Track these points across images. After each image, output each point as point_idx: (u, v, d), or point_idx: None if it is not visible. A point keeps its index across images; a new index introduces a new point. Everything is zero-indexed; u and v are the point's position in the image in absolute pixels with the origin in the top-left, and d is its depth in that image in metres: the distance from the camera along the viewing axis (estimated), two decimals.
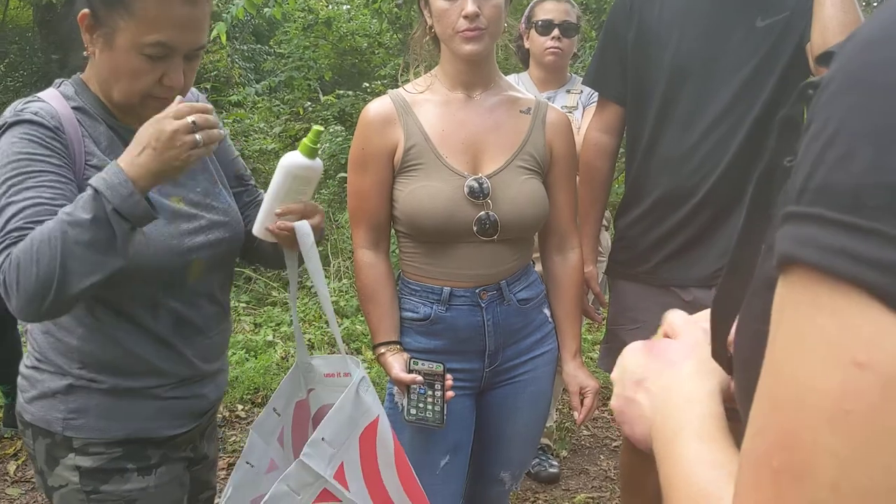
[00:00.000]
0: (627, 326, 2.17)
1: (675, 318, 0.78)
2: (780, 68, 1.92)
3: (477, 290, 1.83)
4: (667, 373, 0.71)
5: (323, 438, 1.48)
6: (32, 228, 1.25)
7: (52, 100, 1.41)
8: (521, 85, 2.96)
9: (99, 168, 1.35)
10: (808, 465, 0.38)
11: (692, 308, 2.06)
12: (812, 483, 0.38)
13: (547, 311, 1.98)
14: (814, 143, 0.41)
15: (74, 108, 1.43)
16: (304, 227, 1.52)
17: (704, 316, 0.72)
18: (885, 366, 0.35)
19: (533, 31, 2.94)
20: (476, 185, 1.77)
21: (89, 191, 1.27)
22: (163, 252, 1.44)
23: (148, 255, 1.41)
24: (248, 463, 1.67)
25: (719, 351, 0.66)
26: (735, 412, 0.61)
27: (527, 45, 2.98)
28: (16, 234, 1.26)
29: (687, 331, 0.75)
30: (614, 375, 0.77)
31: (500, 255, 1.83)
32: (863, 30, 0.42)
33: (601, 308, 2.40)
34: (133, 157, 1.28)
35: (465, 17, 1.70)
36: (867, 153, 0.37)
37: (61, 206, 1.28)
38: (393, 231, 1.91)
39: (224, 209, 1.60)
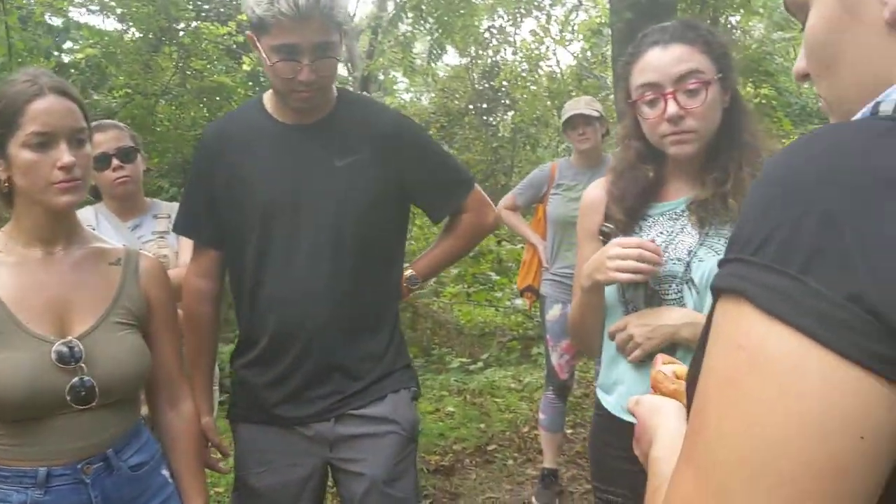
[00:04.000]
0: (255, 470, 2.09)
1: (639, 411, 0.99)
2: (364, 199, 2.02)
3: (79, 465, 1.63)
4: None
5: None
6: None
7: None
8: (102, 216, 2.78)
9: None
10: (704, 422, 0.57)
11: (314, 443, 2.05)
12: (705, 434, 0.57)
13: (166, 472, 1.83)
14: (738, 220, 0.62)
15: None
16: None
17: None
18: (752, 345, 0.54)
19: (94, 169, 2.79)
20: (66, 349, 1.60)
21: None
22: None
23: None
24: None
25: None
26: None
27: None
28: None
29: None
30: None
31: (102, 422, 1.67)
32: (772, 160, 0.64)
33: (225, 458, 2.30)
34: None
35: (62, 168, 1.60)
36: (753, 218, 0.59)
37: None
38: None
39: None
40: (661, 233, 1.76)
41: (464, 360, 6.50)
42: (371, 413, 2.06)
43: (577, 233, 1.98)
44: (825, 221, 0.54)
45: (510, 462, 4.54)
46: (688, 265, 1.69)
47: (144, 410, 1.93)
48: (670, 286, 1.71)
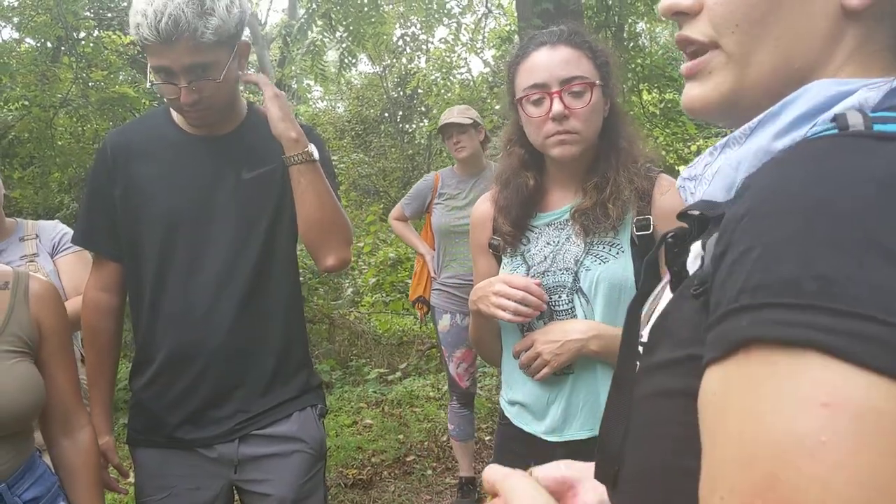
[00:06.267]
0: (157, 496, 2.01)
1: (492, 475, 0.77)
2: (269, 213, 1.98)
3: None
4: None
5: None
6: None
7: None
8: None
9: None
10: (796, 494, 0.45)
11: (218, 465, 1.99)
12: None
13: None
14: (741, 259, 0.53)
15: None
16: None
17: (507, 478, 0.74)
18: (850, 402, 0.45)
19: None
20: None
21: None
22: None
23: None
24: None
25: (605, 466, 0.74)
26: None
27: None
28: None
29: (511, 487, 0.74)
30: None
31: None
32: (755, 187, 0.57)
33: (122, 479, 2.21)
34: None
35: None
36: (791, 255, 0.50)
37: None
38: None
39: None
40: (548, 243, 1.78)
41: (382, 370, 6.46)
42: (277, 432, 2.00)
43: (468, 244, 2.00)
44: (890, 258, 0.48)
45: (429, 472, 4.53)
46: (575, 275, 1.72)
47: (39, 439, 1.84)
48: (560, 296, 1.73)
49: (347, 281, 8.10)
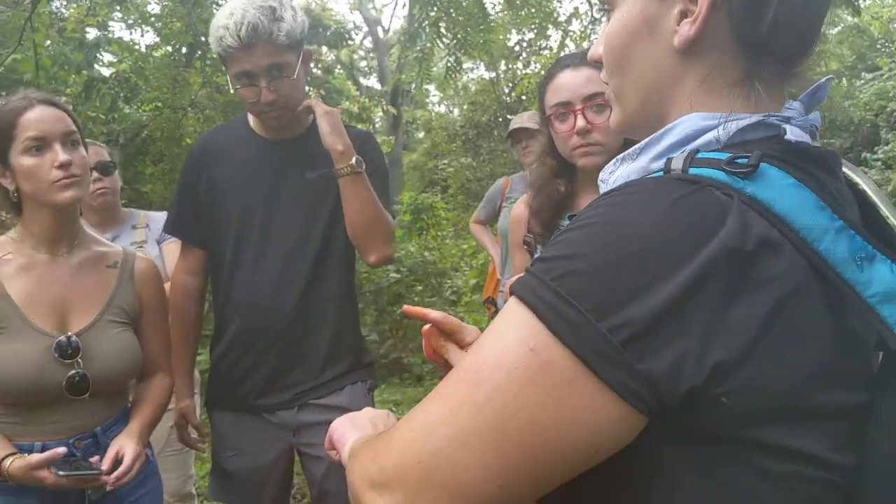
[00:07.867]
0: (227, 454, 2.31)
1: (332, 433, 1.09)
2: (328, 211, 2.24)
3: (71, 441, 1.84)
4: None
5: None
6: None
7: None
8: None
9: None
10: (481, 381, 0.68)
11: (280, 429, 2.22)
12: (479, 388, 0.67)
13: (148, 451, 2.03)
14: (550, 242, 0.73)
15: None
16: None
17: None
18: (544, 356, 0.65)
19: None
20: (65, 342, 1.82)
21: None
22: None
23: None
24: None
25: None
26: None
27: None
28: None
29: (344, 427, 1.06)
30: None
31: (93, 408, 1.89)
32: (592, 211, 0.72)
33: (204, 440, 2.51)
34: None
35: (59, 166, 1.80)
36: (567, 247, 0.69)
37: None
38: None
39: None
40: None
41: None
42: (330, 402, 2.26)
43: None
44: (626, 277, 0.65)
45: None
46: None
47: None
48: None
49: (448, 282, 8.34)
